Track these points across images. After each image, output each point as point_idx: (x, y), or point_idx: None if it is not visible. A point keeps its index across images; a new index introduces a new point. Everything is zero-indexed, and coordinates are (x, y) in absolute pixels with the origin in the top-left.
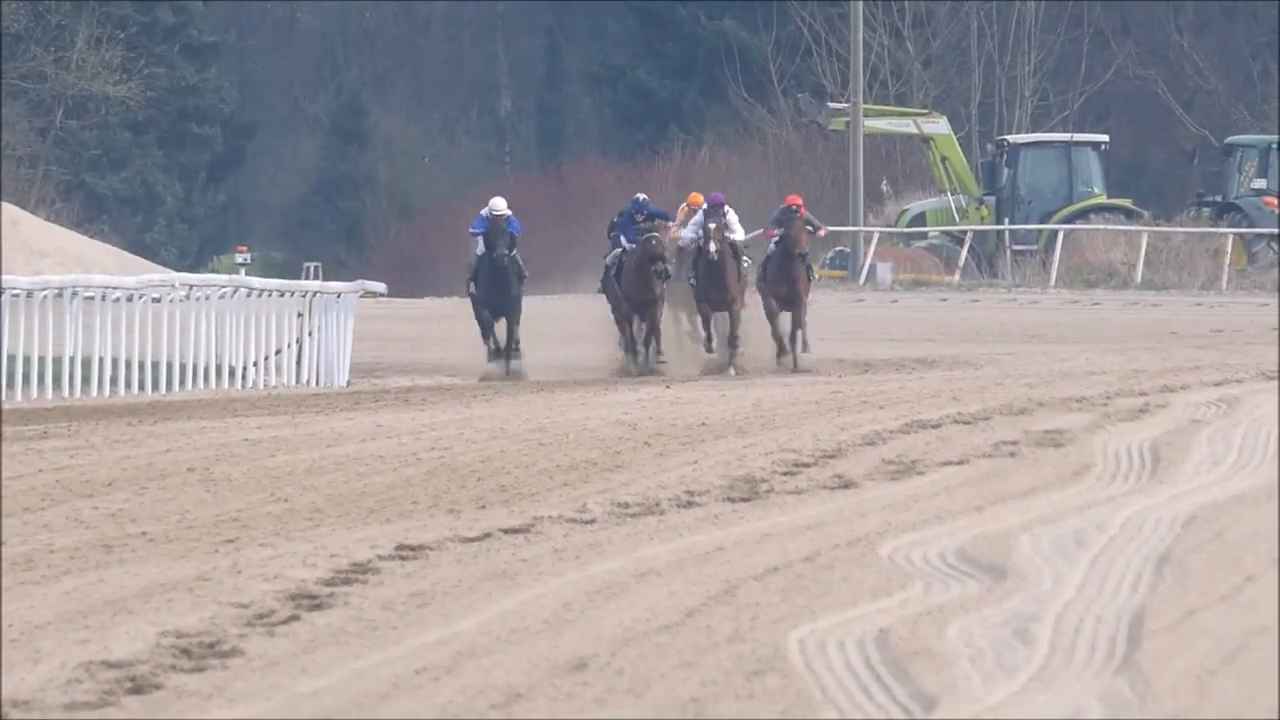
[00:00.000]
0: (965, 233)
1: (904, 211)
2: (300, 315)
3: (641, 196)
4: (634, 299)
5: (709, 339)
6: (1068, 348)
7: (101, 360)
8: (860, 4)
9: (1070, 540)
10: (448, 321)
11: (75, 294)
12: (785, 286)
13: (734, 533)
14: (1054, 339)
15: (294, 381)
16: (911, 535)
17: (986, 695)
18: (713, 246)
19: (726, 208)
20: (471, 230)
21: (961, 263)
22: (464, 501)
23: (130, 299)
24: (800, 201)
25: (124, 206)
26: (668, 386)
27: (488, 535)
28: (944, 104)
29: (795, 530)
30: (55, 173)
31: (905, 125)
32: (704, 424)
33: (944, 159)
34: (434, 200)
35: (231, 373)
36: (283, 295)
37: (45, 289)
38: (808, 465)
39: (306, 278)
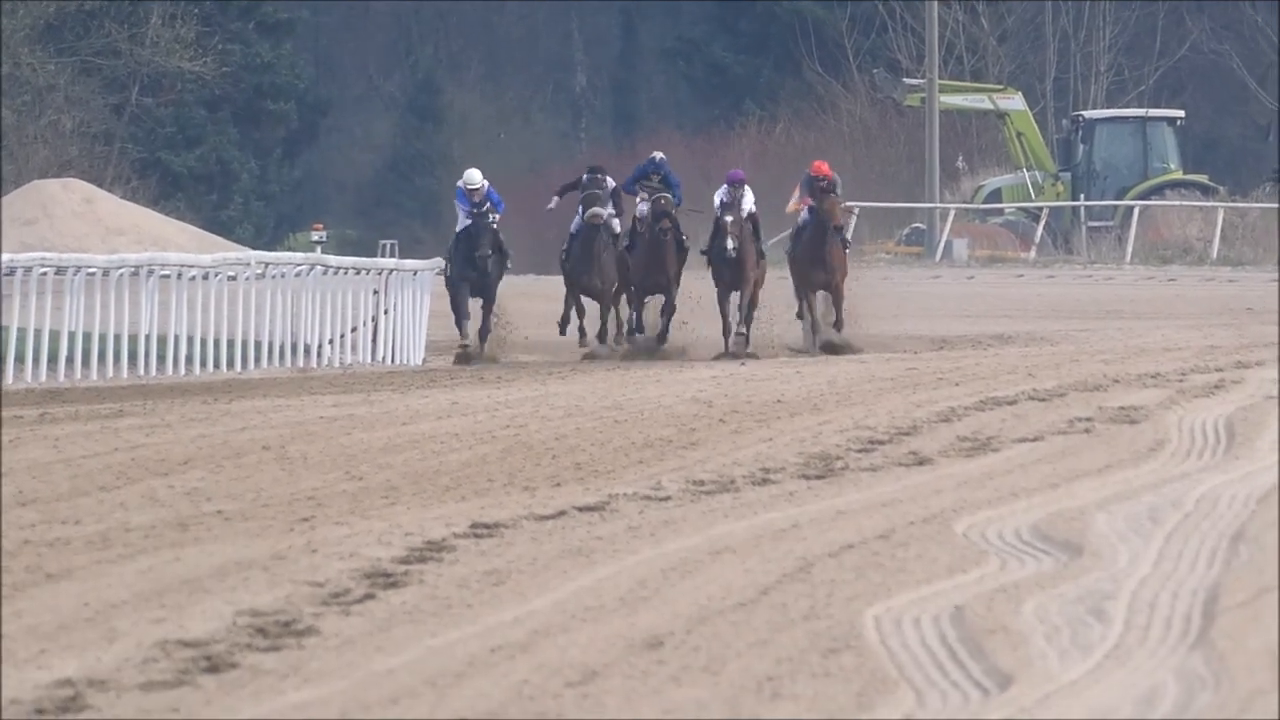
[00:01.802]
0: (1041, 209)
1: (980, 188)
2: (376, 293)
3: (659, 156)
4: (647, 275)
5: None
6: (1143, 324)
7: (177, 338)
8: None
9: (1145, 517)
10: (521, 299)
11: (151, 272)
12: (821, 265)
13: (809, 510)
14: (1129, 315)
15: (370, 359)
16: (987, 512)
17: (1062, 672)
18: (730, 244)
19: (746, 186)
20: (458, 205)
21: (1037, 239)
22: (539, 479)
23: (206, 277)
24: (828, 170)
25: (199, 184)
26: (743, 364)
27: (563, 513)
28: (1019, 80)
29: (870, 507)
30: (131, 150)
31: (980, 101)
32: (779, 401)
33: (1019, 135)
34: (509, 178)
35: (307, 350)
36: (358, 273)
37: (121, 267)
38: (883, 442)
39: (382, 255)
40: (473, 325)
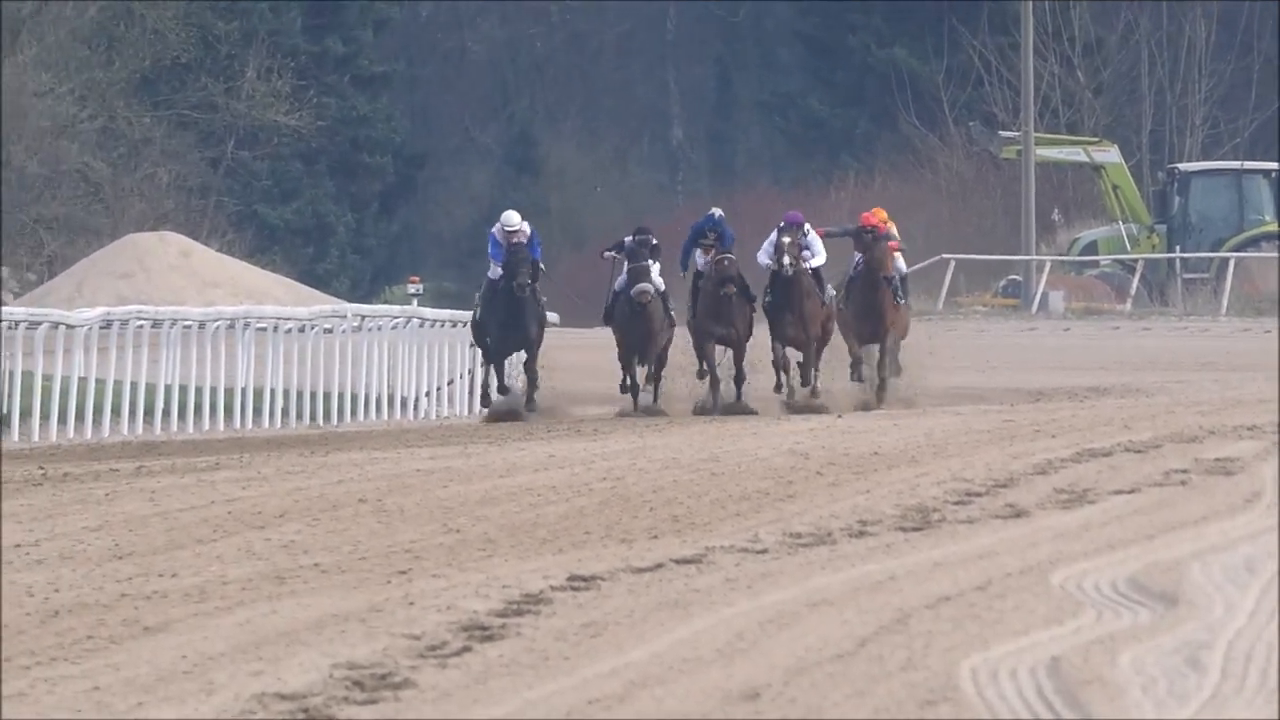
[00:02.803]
0: (1137, 261)
1: (1075, 240)
2: (472, 345)
3: (717, 213)
4: (711, 329)
5: (779, 378)
6: (1238, 375)
7: (273, 391)
8: (1031, 33)
9: (1241, 568)
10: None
11: (247, 325)
12: (870, 317)
13: (906, 562)
14: (1225, 367)
15: (466, 412)
16: (1083, 564)
17: None
18: (786, 260)
19: (807, 227)
20: (491, 254)
21: (1133, 291)
22: (636, 531)
23: (302, 330)
24: (879, 220)
25: (296, 237)
26: (840, 416)
27: (660, 565)
28: (1115, 132)
29: (967, 559)
30: (227, 204)
31: (1076, 154)
32: (876, 453)
33: (1115, 187)
34: (606, 230)
35: (404, 403)
36: (455, 325)
37: (218, 320)
38: (980, 494)
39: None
40: (513, 379)
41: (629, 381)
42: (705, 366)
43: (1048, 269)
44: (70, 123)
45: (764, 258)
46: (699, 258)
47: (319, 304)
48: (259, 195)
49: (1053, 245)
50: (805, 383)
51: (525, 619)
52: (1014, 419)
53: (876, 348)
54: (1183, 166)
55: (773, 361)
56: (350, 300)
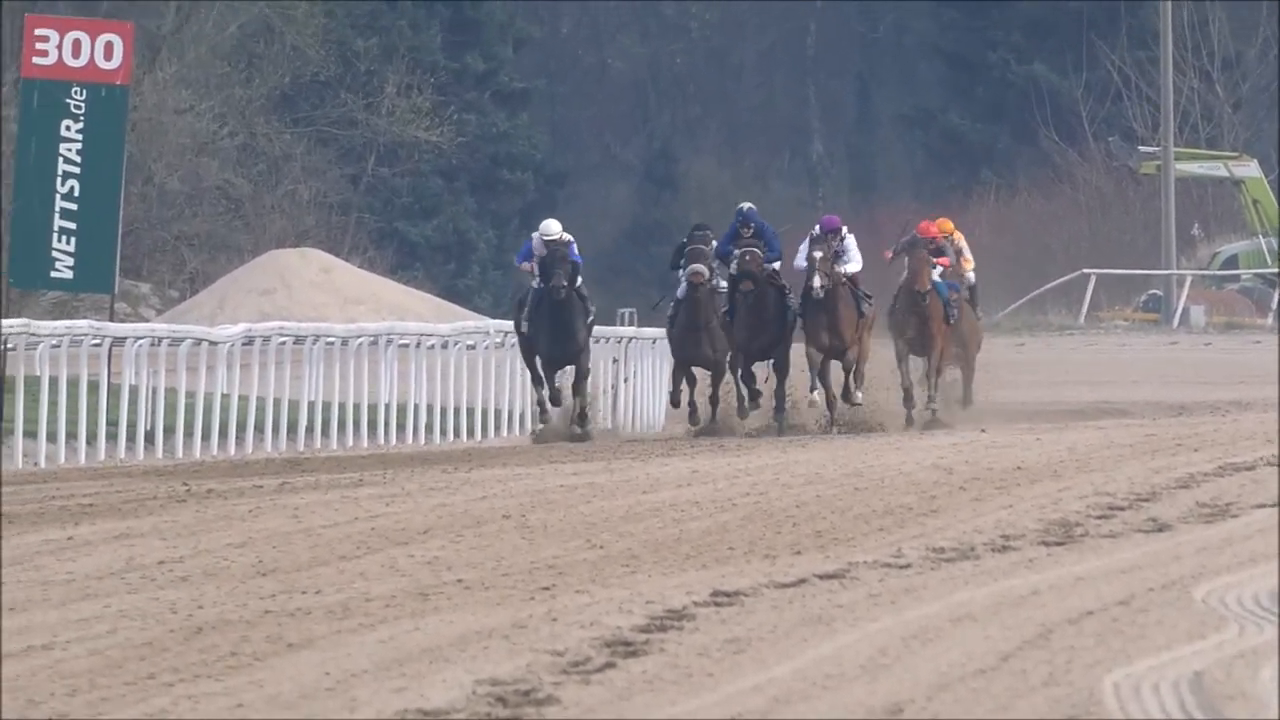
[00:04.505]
0: (1277, 274)
1: (1216, 254)
2: (615, 361)
3: (746, 206)
4: (751, 339)
5: (814, 390)
6: None
7: (417, 407)
8: (1170, 47)
9: None
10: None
11: (390, 341)
12: (913, 328)
13: (1049, 576)
14: None
15: (610, 427)
16: (1226, 578)
17: None
18: (817, 281)
19: (845, 231)
20: (518, 261)
21: (1274, 305)
22: (780, 547)
23: (445, 346)
24: (938, 230)
25: (437, 254)
26: (983, 430)
27: (803, 581)
28: (1254, 147)
29: (1110, 574)
30: (368, 220)
31: (1216, 168)
32: (1020, 468)
33: (1255, 202)
34: None
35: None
36: (597, 341)
37: (360, 336)
38: (1122, 508)
39: (621, 324)
40: (564, 395)
41: (682, 398)
42: (741, 380)
43: (1188, 283)
44: (210, 140)
45: (801, 261)
46: (733, 266)
47: (461, 320)
48: (399, 212)
49: (1193, 260)
50: (846, 396)
51: (669, 635)
52: (1156, 433)
53: (922, 363)
54: None
55: (808, 367)
56: (492, 316)
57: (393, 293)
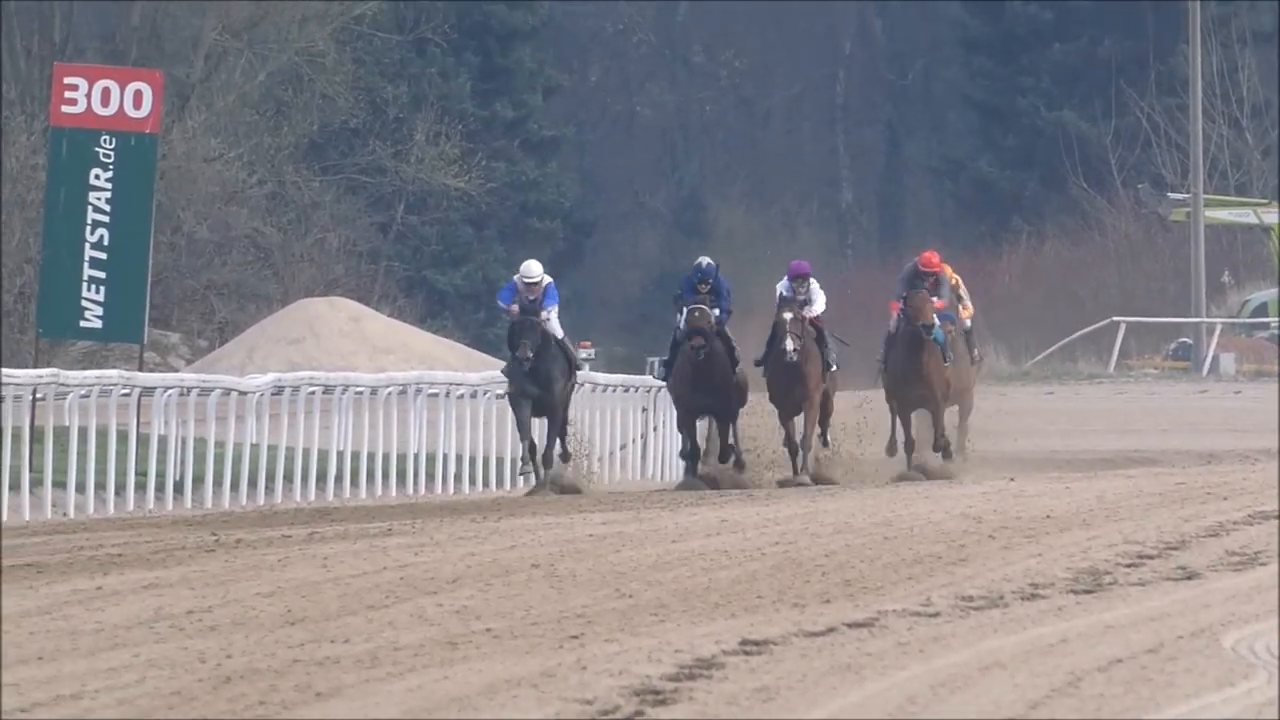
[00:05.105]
0: None
1: (1246, 302)
2: (645, 410)
3: (705, 261)
4: (694, 396)
5: (789, 442)
6: None
7: (446, 457)
8: (1200, 95)
9: None
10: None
11: (419, 390)
12: (913, 377)
13: (1078, 625)
14: None
15: (639, 476)
16: (1255, 626)
17: None
18: (790, 345)
19: (811, 280)
20: (500, 302)
21: None
22: (809, 596)
23: (474, 395)
24: (937, 261)
25: (466, 302)
26: (1012, 479)
27: (832, 629)
28: None
29: (1139, 622)
30: (397, 269)
31: (1245, 215)
32: (1049, 516)
33: None
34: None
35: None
36: (626, 390)
37: (389, 386)
38: (1151, 557)
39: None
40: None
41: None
42: (685, 438)
43: (1218, 331)
44: (239, 188)
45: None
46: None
47: (490, 369)
48: (428, 260)
49: (1223, 307)
50: (807, 449)
51: (698, 683)
52: (1186, 481)
53: (928, 416)
54: None
55: (784, 437)
56: None
57: (422, 342)
